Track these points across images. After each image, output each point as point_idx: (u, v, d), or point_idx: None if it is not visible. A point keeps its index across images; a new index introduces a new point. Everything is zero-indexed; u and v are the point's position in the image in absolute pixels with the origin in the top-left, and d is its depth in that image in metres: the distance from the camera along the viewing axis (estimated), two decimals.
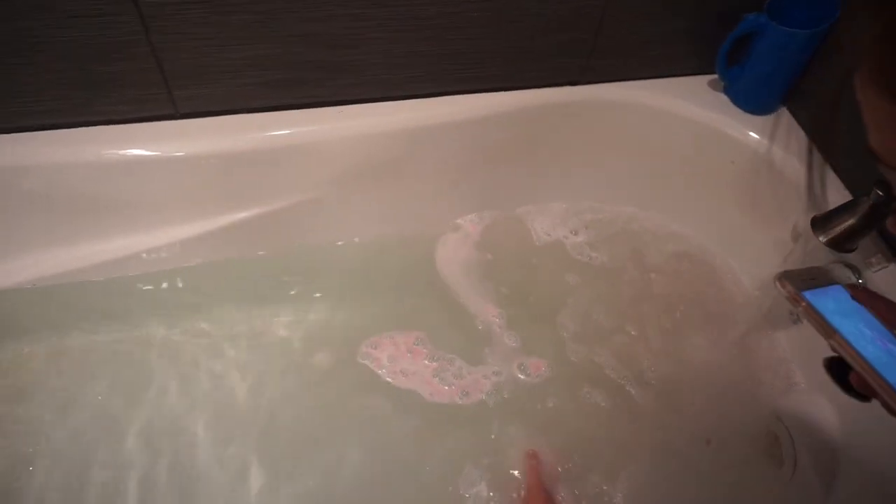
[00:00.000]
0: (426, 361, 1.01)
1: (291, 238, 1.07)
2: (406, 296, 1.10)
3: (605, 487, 0.91)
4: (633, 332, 1.08)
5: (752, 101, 1.05)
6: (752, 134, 1.03)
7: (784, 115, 1.06)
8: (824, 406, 0.95)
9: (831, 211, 0.80)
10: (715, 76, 1.08)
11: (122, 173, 0.92)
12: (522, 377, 1.01)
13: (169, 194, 0.96)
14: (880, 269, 0.88)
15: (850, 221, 0.77)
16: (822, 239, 0.79)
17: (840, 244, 0.79)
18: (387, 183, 1.05)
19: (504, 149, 1.09)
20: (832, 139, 0.99)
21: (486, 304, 1.09)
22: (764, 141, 1.02)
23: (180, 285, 1.04)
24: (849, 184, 0.96)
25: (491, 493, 0.90)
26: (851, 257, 0.90)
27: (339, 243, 1.12)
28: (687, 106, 1.05)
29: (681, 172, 1.13)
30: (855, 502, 0.83)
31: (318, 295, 1.08)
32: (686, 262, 1.18)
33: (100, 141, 0.91)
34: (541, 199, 1.19)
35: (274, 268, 1.08)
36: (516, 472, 0.92)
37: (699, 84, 1.09)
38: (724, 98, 1.07)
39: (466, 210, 1.17)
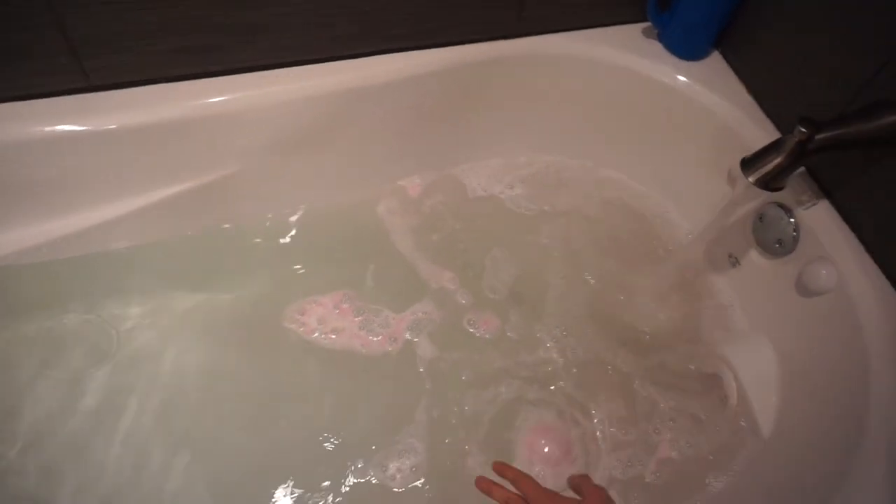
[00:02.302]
0: (354, 317, 1.01)
1: (221, 213, 1.03)
2: (350, 262, 1.08)
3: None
4: (573, 280, 1.09)
5: (684, 47, 1.04)
6: (684, 79, 1.03)
7: (717, 59, 1.06)
8: (765, 346, 0.97)
9: (758, 151, 0.80)
10: (648, 24, 1.07)
11: (31, 152, 0.87)
12: (472, 330, 1.02)
13: (84, 173, 0.90)
14: (811, 206, 0.90)
15: (777, 160, 0.78)
16: (751, 179, 0.80)
17: (768, 183, 0.80)
18: (319, 150, 1.02)
19: (439, 107, 1.06)
20: (762, 81, 1.00)
21: (431, 265, 1.08)
22: (696, 86, 1.02)
23: (105, 268, 1.00)
24: (779, 124, 0.97)
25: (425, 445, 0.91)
26: (784, 197, 0.92)
27: (271, 215, 1.09)
28: (620, 54, 1.04)
29: (616, 121, 1.13)
30: (793, 437, 0.86)
31: (255, 268, 1.06)
32: (625, 208, 1.19)
33: (4, 118, 0.85)
34: (479, 157, 1.18)
35: (204, 244, 1.05)
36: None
37: (633, 32, 1.08)
38: (657, 45, 1.06)
39: (406, 172, 1.15)
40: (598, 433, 0.94)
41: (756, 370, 0.96)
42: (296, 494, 0.87)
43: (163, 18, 0.84)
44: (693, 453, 0.93)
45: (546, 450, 0.93)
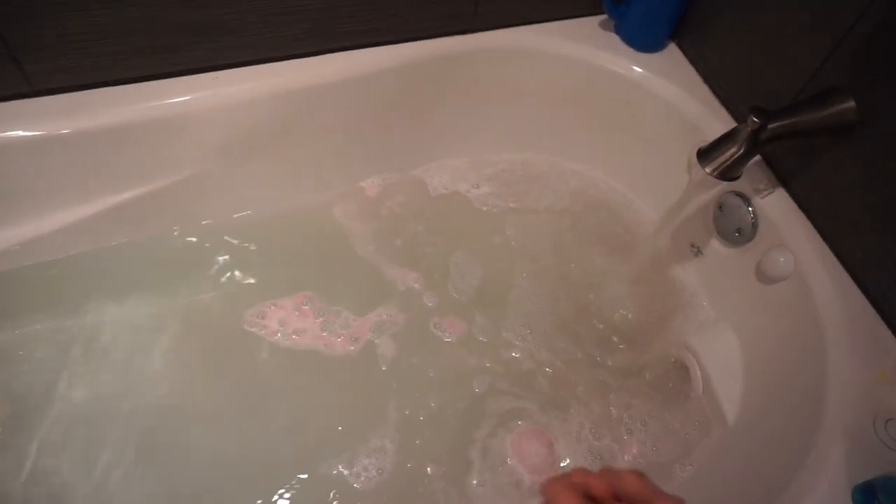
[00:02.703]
0: (315, 318, 1.00)
1: (176, 217, 1.01)
2: (309, 265, 1.06)
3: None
4: (540, 277, 1.09)
5: (641, 39, 1.05)
6: (641, 71, 1.03)
7: (673, 50, 1.07)
8: (728, 334, 0.99)
9: (714, 142, 0.81)
10: (605, 16, 1.08)
11: None
12: (438, 333, 1.02)
13: (31, 181, 0.88)
14: (768, 195, 0.91)
15: (732, 150, 0.78)
16: (708, 170, 0.80)
17: (725, 173, 0.80)
18: (274, 151, 1.01)
19: (398, 106, 1.05)
20: (718, 70, 1.01)
21: (395, 267, 1.07)
22: (653, 77, 1.03)
23: (62, 276, 0.97)
24: (735, 113, 0.98)
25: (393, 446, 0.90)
26: (742, 186, 0.93)
27: (227, 219, 1.06)
28: (577, 47, 1.04)
29: (578, 115, 1.13)
30: (756, 423, 0.87)
31: (213, 273, 1.03)
32: (591, 202, 1.19)
33: None
34: (441, 156, 1.17)
35: (159, 250, 1.02)
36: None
37: (590, 25, 1.08)
38: (614, 38, 1.07)
39: (365, 173, 1.14)
40: (575, 432, 0.94)
41: (720, 358, 0.97)
42: (261, 496, 0.86)
43: (109, 20, 0.82)
44: (660, 444, 0.93)
45: (534, 457, 0.92)
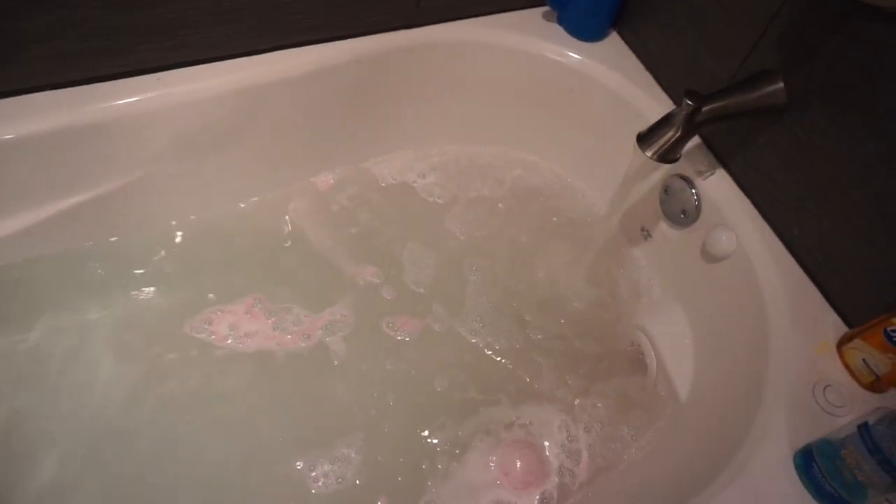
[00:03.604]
0: (266, 319, 0.99)
1: (123, 223, 0.99)
2: (261, 265, 1.05)
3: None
4: (490, 267, 1.10)
5: (582, 28, 1.07)
6: (584, 59, 1.05)
7: (614, 38, 1.09)
8: (678, 314, 1.01)
9: (652, 126, 0.83)
10: (547, 8, 1.09)
11: None
12: (390, 332, 1.02)
13: None
14: (709, 176, 0.94)
15: (669, 133, 0.81)
16: (648, 153, 0.82)
17: (665, 156, 0.82)
18: (223, 152, 0.99)
19: (346, 101, 1.05)
20: (657, 56, 1.03)
21: (350, 262, 1.07)
22: (595, 65, 1.05)
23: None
24: (674, 97, 1.01)
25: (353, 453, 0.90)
26: (685, 168, 0.95)
27: (175, 222, 1.04)
28: (521, 39, 1.06)
29: (522, 104, 1.15)
30: (706, 398, 0.90)
31: (162, 280, 1.01)
32: (538, 189, 1.21)
33: None
34: (390, 149, 1.17)
35: (105, 256, 1.00)
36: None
37: (533, 16, 1.09)
38: (557, 28, 1.08)
39: (316, 169, 1.13)
40: (539, 423, 0.95)
41: (672, 338, 0.99)
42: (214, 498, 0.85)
43: (42, 23, 0.80)
44: (617, 424, 0.95)
45: (519, 466, 0.91)
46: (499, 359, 1.01)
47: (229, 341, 0.96)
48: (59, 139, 0.86)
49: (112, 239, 1.00)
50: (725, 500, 0.67)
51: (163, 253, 1.02)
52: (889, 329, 0.70)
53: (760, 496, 0.67)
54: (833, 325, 0.81)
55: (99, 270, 0.99)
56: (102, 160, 0.91)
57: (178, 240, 1.04)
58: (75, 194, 0.92)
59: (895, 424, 0.58)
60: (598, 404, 0.97)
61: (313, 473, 0.87)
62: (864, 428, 0.60)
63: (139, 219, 1.00)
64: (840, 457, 0.62)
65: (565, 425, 0.95)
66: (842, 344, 0.78)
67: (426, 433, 0.93)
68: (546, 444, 0.93)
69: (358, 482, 0.87)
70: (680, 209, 0.98)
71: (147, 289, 1.00)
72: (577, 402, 0.97)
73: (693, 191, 0.95)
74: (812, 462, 0.65)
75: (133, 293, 0.99)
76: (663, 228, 1.03)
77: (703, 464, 0.77)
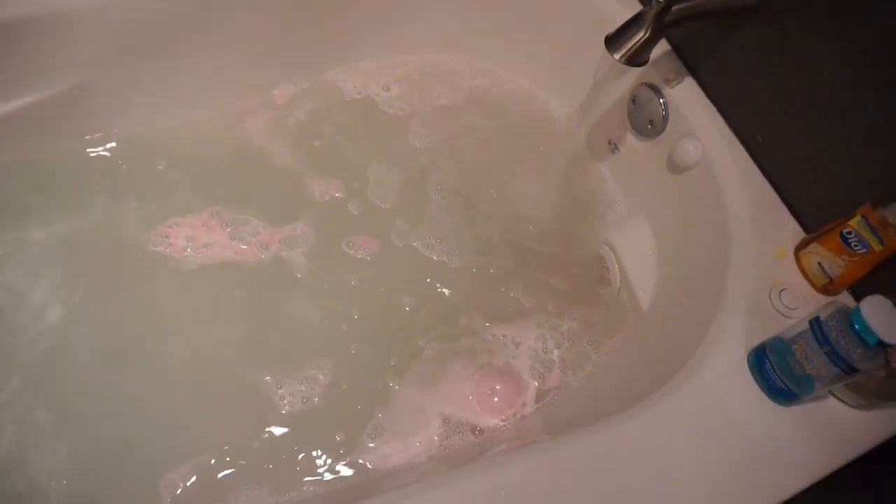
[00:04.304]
0: (223, 229, 0.97)
1: (65, 132, 0.94)
2: (218, 180, 1.01)
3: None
4: (454, 182, 1.08)
5: None
6: None
7: None
8: (643, 226, 1.01)
9: (620, 27, 0.80)
10: None
11: None
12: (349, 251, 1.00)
13: None
14: (677, 84, 0.92)
15: (638, 34, 0.78)
16: (616, 56, 0.80)
17: (632, 59, 0.80)
18: (174, 56, 0.94)
19: (305, 5, 0.99)
20: None
21: (312, 176, 1.04)
22: None
23: None
24: (644, 1, 0.98)
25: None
26: (653, 77, 0.93)
27: (124, 133, 0.99)
28: None
29: (487, 12, 1.10)
30: (666, 306, 0.91)
31: (111, 193, 0.97)
32: (503, 101, 1.17)
33: None
34: (351, 59, 1.12)
35: (47, 168, 0.95)
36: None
37: None
38: None
39: (275, 81, 1.08)
40: (505, 338, 0.96)
41: (636, 250, 1.00)
42: (178, 413, 0.85)
43: None
44: (581, 335, 0.97)
45: (496, 398, 0.92)
46: (463, 277, 1.01)
47: (187, 252, 0.94)
48: None
49: (53, 151, 0.95)
50: (680, 398, 0.69)
51: (108, 168, 0.97)
52: (844, 231, 0.71)
53: (714, 393, 0.69)
54: (793, 233, 0.82)
55: (38, 185, 0.94)
56: (39, 62, 0.85)
57: (128, 152, 0.99)
58: (7, 101, 0.86)
59: (844, 319, 0.60)
60: (565, 319, 0.98)
61: (280, 391, 0.87)
62: (815, 322, 0.62)
63: (84, 128, 0.95)
64: (791, 352, 0.64)
65: (537, 341, 0.96)
66: (799, 249, 0.79)
67: (392, 356, 0.93)
68: (512, 361, 0.94)
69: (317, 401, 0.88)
70: (647, 119, 0.96)
71: (94, 204, 0.96)
72: (543, 319, 0.98)
73: (661, 100, 0.93)
74: (765, 359, 0.67)
75: (79, 209, 0.95)
76: (630, 141, 1.02)
77: (661, 367, 0.79)
